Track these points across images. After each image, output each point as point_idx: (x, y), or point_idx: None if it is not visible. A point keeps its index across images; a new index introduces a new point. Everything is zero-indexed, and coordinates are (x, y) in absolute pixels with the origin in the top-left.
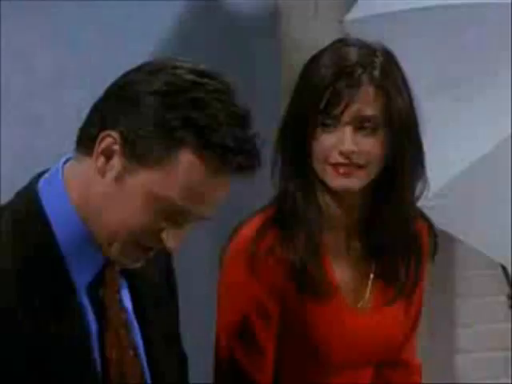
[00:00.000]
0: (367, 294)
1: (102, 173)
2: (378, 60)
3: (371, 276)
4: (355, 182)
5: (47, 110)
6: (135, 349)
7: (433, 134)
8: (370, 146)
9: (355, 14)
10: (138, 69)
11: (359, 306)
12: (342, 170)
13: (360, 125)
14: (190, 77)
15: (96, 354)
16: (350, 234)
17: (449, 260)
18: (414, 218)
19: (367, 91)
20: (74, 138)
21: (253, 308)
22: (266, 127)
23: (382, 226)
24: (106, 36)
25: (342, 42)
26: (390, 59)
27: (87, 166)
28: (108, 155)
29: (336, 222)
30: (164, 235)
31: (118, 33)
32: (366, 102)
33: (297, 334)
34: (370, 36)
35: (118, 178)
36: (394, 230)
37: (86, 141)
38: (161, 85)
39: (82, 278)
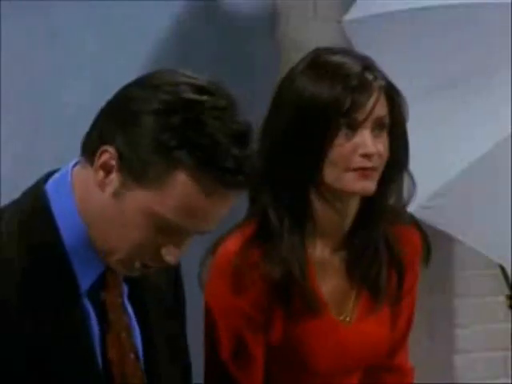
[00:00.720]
0: (352, 305)
1: (102, 186)
2: (373, 65)
3: (355, 286)
4: (374, 184)
5: (46, 111)
6: (136, 352)
7: (431, 134)
8: (382, 148)
9: (354, 14)
10: (139, 83)
11: (344, 317)
12: (365, 173)
13: (375, 126)
14: (189, 95)
15: (98, 355)
16: (335, 245)
17: (447, 260)
18: (392, 225)
19: (379, 92)
20: (73, 140)
21: (239, 318)
22: None
23: (364, 233)
24: (104, 36)
25: (326, 51)
26: (374, 64)
27: (89, 175)
28: (107, 170)
29: (324, 233)
30: (163, 251)
31: (117, 33)
32: (379, 106)
33: (283, 346)
34: (369, 36)
35: (116, 194)
36: (374, 238)
37: (88, 150)
38: (158, 104)
39: (84, 280)
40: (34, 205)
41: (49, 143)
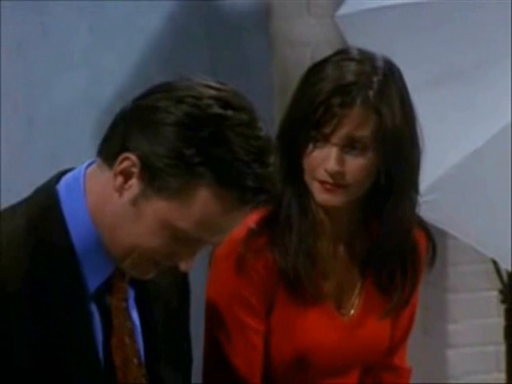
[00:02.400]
0: (354, 300)
1: (120, 192)
2: (377, 78)
3: (358, 285)
4: (338, 199)
5: (39, 104)
6: (140, 357)
7: (424, 129)
8: (356, 167)
9: (346, 9)
10: (163, 91)
11: (345, 311)
12: (326, 187)
13: (349, 145)
14: (214, 109)
15: (101, 359)
16: (337, 243)
17: (441, 255)
18: (410, 231)
19: (360, 112)
20: (66, 132)
21: (241, 305)
22: None
23: (379, 237)
24: (96, 31)
25: (343, 54)
26: (389, 76)
27: (107, 178)
28: (126, 176)
29: (325, 230)
30: (176, 258)
31: (109, 29)
32: (356, 124)
33: (282, 337)
34: (362, 31)
35: (135, 201)
36: (391, 243)
37: (107, 153)
38: (183, 116)
39: (91, 283)
40: (45, 204)
41: (42, 135)
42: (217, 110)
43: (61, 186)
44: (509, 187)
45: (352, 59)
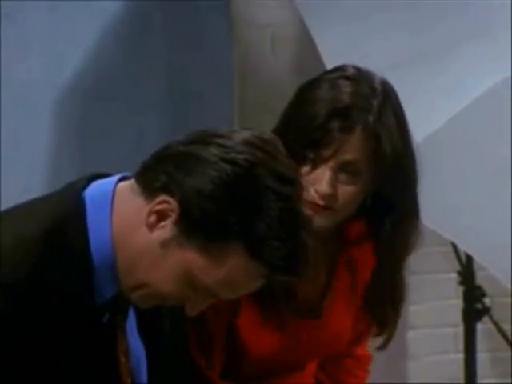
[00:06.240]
0: (322, 300)
1: (151, 229)
2: (376, 101)
3: (326, 282)
4: (323, 221)
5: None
6: (133, 378)
7: None
8: (346, 191)
9: None
10: (219, 144)
11: (313, 311)
12: (314, 208)
13: (343, 168)
14: (265, 181)
15: (97, 375)
16: (324, 240)
17: None
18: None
19: (359, 137)
20: (21, 116)
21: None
22: (218, 103)
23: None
24: (56, 18)
25: (339, 72)
26: (387, 99)
27: (138, 206)
28: (162, 216)
29: None
30: (186, 301)
31: (68, 13)
32: (354, 148)
33: (248, 335)
34: (321, 15)
35: (164, 243)
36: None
37: (146, 184)
38: (233, 179)
39: (98, 298)
40: (71, 211)
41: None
42: (268, 182)
43: (88, 195)
44: (467, 169)
45: (348, 78)
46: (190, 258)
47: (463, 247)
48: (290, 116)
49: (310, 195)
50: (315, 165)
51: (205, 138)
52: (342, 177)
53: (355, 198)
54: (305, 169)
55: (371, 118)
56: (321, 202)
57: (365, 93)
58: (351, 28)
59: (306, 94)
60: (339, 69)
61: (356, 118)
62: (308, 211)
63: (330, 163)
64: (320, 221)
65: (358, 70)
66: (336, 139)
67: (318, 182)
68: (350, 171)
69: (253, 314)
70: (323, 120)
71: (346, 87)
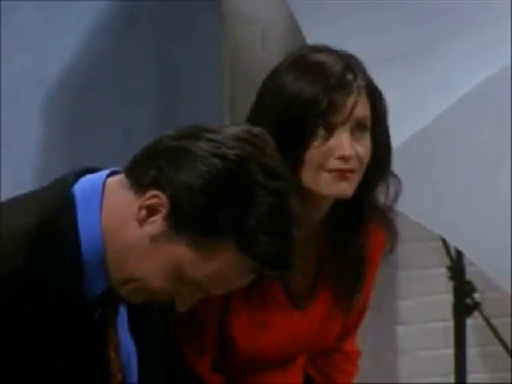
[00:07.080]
0: (309, 294)
1: (141, 223)
2: (356, 65)
3: (313, 276)
4: (351, 186)
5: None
6: (124, 374)
7: None
8: (362, 150)
9: None
10: (209, 138)
11: (300, 304)
12: (344, 174)
13: (356, 128)
14: (257, 177)
15: (87, 369)
16: (308, 239)
17: None
18: (366, 225)
19: (359, 96)
20: (14, 110)
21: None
22: (208, 99)
23: (345, 233)
24: (44, 13)
25: (311, 50)
26: (359, 63)
27: (128, 200)
28: (152, 211)
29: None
30: (175, 297)
31: (57, 5)
32: (360, 107)
33: (239, 332)
34: (311, 11)
35: (154, 238)
36: (354, 240)
37: (136, 178)
38: (223, 174)
39: (88, 293)
40: (60, 206)
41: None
42: (258, 177)
43: (77, 190)
44: (456, 164)
45: (323, 52)
46: (180, 252)
47: (453, 242)
48: (287, 96)
49: (333, 163)
50: (327, 135)
51: (195, 133)
52: (357, 136)
53: (368, 156)
54: (321, 141)
55: (361, 77)
56: (346, 166)
57: (344, 59)
58: (341, 25)
59: (284, 78)
60: (306, 49)
61: (351, 80)
62: (336, 182)
63: (346, 126)
64: (349, 188)
65: (323, 46)
66: (344, 105)
67: (339, 147)
68: (360, 129)
69: (243, 310)
70: (326, 93)
71: (329, 59)
